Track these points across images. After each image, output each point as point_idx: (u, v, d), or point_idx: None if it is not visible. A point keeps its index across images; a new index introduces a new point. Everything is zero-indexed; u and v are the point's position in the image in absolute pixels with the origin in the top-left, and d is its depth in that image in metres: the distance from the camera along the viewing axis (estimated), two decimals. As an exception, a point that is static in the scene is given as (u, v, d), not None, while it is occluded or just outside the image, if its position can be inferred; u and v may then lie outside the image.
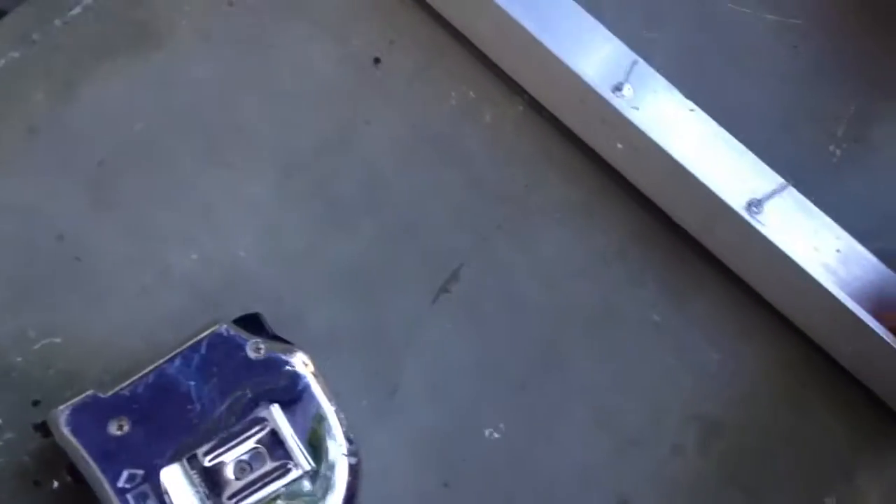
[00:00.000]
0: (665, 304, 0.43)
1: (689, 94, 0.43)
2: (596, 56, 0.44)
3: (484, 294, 0.42)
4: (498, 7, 0.42)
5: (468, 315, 0.42)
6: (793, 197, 0.42)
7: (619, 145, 0.43)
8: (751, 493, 0.40)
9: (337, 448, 0.35)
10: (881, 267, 0.41)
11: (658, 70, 0.43)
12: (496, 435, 0.40)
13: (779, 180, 0.42)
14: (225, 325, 0.36)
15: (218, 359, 0.35)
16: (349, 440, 0.35)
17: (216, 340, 0.36)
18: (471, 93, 0.45)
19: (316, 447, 0.35)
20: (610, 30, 0.44)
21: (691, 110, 0.43)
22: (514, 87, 0.45)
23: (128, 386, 0.34)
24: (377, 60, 0.45)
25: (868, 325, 0.38)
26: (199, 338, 0.36)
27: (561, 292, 0.43)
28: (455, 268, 0.42)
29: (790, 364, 0.42)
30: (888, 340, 0.38)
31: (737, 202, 0.41)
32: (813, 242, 0.41)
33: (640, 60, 0.43)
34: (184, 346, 0.35)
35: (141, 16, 0.44)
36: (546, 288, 0.42)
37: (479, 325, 0.42)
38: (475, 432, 0.40)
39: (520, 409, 0.41)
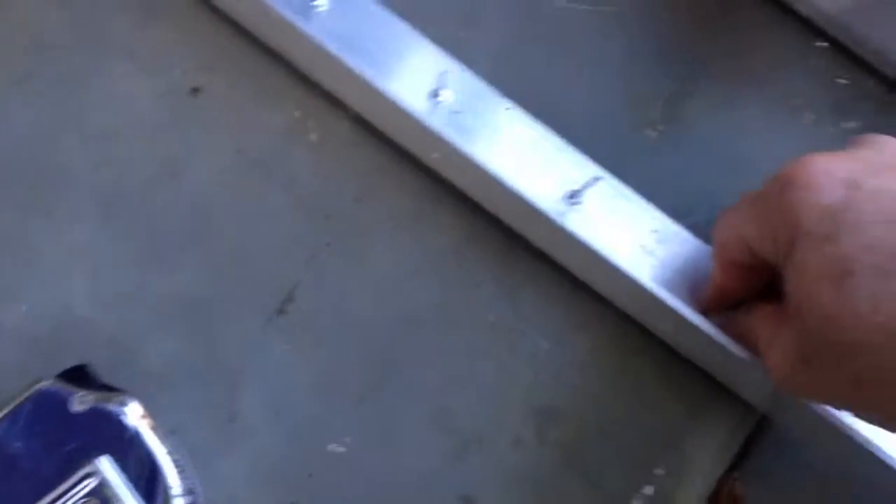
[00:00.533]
0: (499, 303, 0.44)
1: (509, 92, 0.44)
2: (409, 64, 0.44)
3: (319, 312, 0.43)
4: (304, 33, 0.42)
5: (305, 334, 0.43)
6: (610, 185, 0.43)
7: (435, 154, 0.43)
8: (588, 474, 0.42)
9: (170, 490, 0.36)
10: (695, 241, 0.43)
11: (477, 71, 0.44)
12: (340, 449, 0.42)
13: (595, 171, 0.43)
14: (48, 382, 0.37)
15: (43, 417, 0.36)
16: (185, 478, 0.36)
17: (40, 398, 0.36)
18: (296, 113, 0.45)
19: (150, 493, 0.36)
20: (425, 34, 0.44)
21: (507, 109, 0.44)
22: (339, 104, 0.45)
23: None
24: (196, 90, 0.45)
25: (673, 308, 0.40)
26: (22, 398, 0.36)
27: (395, 302, 0.44)
28: (289, 289, 0.43)
29: (621, 348, 0.44)
30: (693, 321, 0.40)
31: (551, 197, 0.42)
32: (630, 227, 0.43)
33: (455, 64, 0.44)
34: (7, 409, 0.36)
35: (-51, 69, 0.44)
36: (380, 299, 0.44)
37: (317, 343, 0.43)
38: (319, 449, 0.42)
39: (362, 420, 0.42)
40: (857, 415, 0.35)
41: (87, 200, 0.43)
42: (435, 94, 0.43)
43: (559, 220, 0.41)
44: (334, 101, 0.46)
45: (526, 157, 0.43)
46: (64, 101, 0.44)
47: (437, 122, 0.42)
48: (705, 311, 0.41)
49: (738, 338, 0.40)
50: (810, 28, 0.50)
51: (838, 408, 0.36)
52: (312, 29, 0.42)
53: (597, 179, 0.42)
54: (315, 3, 0.43)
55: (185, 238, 0.43)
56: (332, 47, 0.42)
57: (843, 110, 0.49)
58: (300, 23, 0.42)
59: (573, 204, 0.42)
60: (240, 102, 0.45)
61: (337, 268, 0.44)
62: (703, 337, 0.41)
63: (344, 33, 0.44)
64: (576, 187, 0.42)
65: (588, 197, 0.42)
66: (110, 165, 0.44)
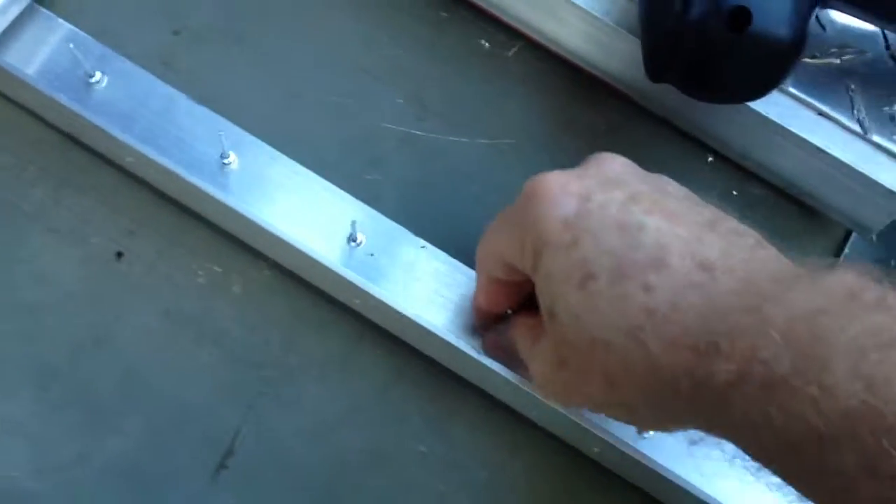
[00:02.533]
0: (430, 435, 0.46)
1: (419, 230, 0.46)
2: (323, 212, 0.46)
3: (260, 462, 0.45)
4: (218, 195, 0.44)
5: (248, 485, 0.44)
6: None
7: (356, 300, 0.46)
8: None
9: None
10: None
11: (386, 211, 0.46)
12: None
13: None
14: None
15: None
16: None
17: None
18: (216, 267, 0.47)
19: None
20: (331, 179, 0.47)
21: (423, 247, 0.46)
22: (258, 254, 0.47)
23: None
24: (119, 254, 0.47)
25: (600, 433, 0.43)
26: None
27: (329, 444, 0.45)
28: (229, 443, 0.45)
29: (556, 466, 0.46)
30: (621, 447, 0.43)
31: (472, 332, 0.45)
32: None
33: (366, 208, 0.46)
34: None
35: None
36: (316, 443, 0.45)
37: (261, 493, 0.44)
38: None
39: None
40: (616, 417, 0.37)
41: (19, 376, 0.44)
42: (351, 240, 0.46)
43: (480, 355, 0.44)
44: (253, 253, 0.47)
45: (443, 295, 0.45)
46: (-15, 277, 0.45)
47: (353, 267, 0.45)
48: (476, 329, 0.44)
49: (504, 351, 0.43)
50: (701, 145, 0.54)
51: (598, 412, 0.38)
52: (227, 189, 0.44)
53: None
54: (225, 160, 0.46)
55: (121, 403, 0.44)
56: (247, 205, 0.44)
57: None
58: (212, 186, 0.44)
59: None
60: (162, 263, 0.47)
61: (272, 416, 0.45)
62: (631, 459, 0.43)
63: (257, 187, 0.46)
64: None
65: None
66: (39, 338, 0.45)
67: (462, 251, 0.45)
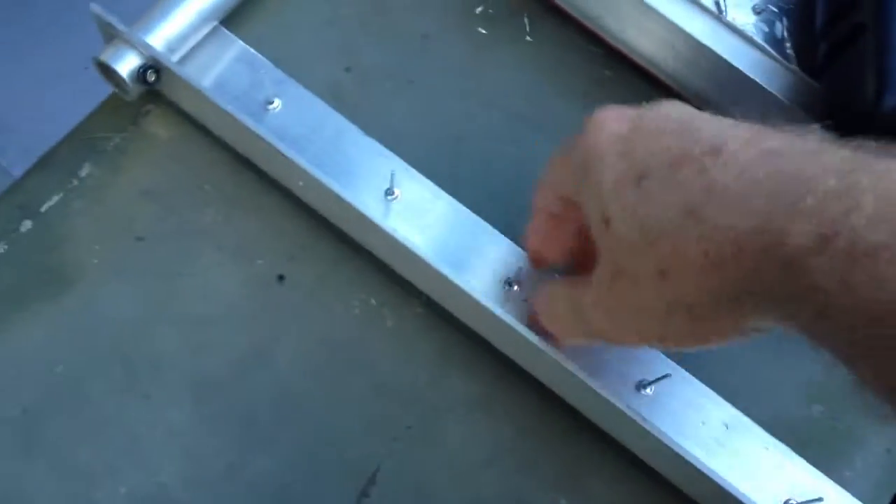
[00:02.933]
0: (568, 486, 0.47)
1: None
2: (481, 254, 0.48)
3: (400, 494, 0.46)
4: (381, 227, 0.45)
5: (386, 517, 0.45)
6: (682, 377, 0.46)
7: (508, 343, 0.47)
8: None
9: None
10: (764, 434, 0.46)
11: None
12: None
13: (667, 363, 0.46)
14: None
15: None
16: None
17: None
18: (372, 300, 0.49)
19: None
20: (488, 220, 0.48)
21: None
22: (412, 291, 0.48)
23: None
24: (281, 277, 0.48)
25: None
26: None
27: (470, 483, 0.46)
28: (371, 472, 0.46)
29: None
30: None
31: (624, 388, 0.46)
32: (699, 416, 0.46)
33: (523, 251, 0.47)
34: None
35: (53, 260, 0.47)
36: (455, 482, 0.46)
37: (398, 526, 0.45)
38: None
39: None
40: (670, 334, 0.36)
41: (182, 384, 0.46)
42: (507, 283, 0.47)
43: (626, 407, 0.44)
44: (407, 289, 0.49)
45: (596, 352, 0.46)
46: (158, 289, 0.47)
47: (509, 310, 0.46)
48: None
49: (541, 304, 0.43)
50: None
51: (652, 333, 0.37)
52: (389, 222, 0.46)
53: (668, 375, 0.45)
54: (390, 196, 0.47)
55: (274, 422, 0.46)
56: (407, 239, 0.45)
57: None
58: (375, 217, 0.46)
59: (642, 392, 0.45)
60: (320, 289, 0.48)
61: (415, 451, 0.46)
62: None
63: (418, 223, 0.47)
64: (645, 379, 0.45)
65: (658, 387, 0.45)
66: (203, 351, 0.46)
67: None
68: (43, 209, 0.47)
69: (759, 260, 0.30)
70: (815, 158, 0.30)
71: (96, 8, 0.43)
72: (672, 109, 0.36)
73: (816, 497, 0.44)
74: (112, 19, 0.44)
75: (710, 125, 0.34)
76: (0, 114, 1.14)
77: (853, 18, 0.44)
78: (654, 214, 0.33)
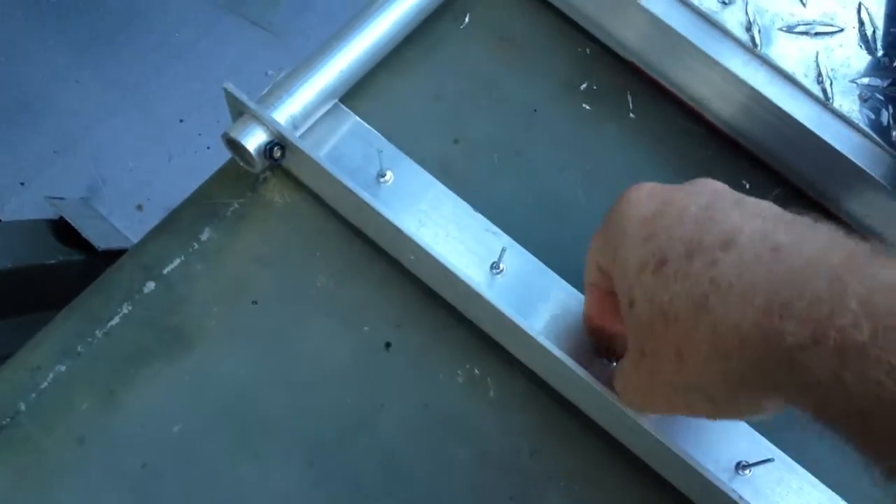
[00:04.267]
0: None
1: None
2: (579, 326, 0.49)
3: (500, 564, 0.46)
4: (485, 299, 0.47)
5: (487, 585, 0.46)
6: (784, 463, 0.47)
7: (609, 421, 0.47)
8: None
9: None
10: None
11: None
12: None
13: (767, 446, 0.47)
14: None
15: None
16: None
17: None
18: (475, 370, 0.50)
19: None
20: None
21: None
22: (515, 361, 0.49)
23: None
24: (388, 345, 0.50)
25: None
26: None
27: (569, 556, 0.47)
28: (473, 541, 0.47)
29: None
30: None
31: (721, 467, 0.46)
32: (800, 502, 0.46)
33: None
34: None
35: (174, 321, 0.49)
36: (555, 555, 0.46)
37: None
38: None
39: None
40: (692, 407, 0.38)
41: (291, 446, 0.47)
42: (609, 359, 0.48)
43: (727, 487, 0.44)
44: (511, 360, 0.50)
45: (699, 429, 0.46)
46: (270, 352, 0.49)
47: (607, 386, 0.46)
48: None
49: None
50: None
51: (675, 404, 0.39)
52: (492, 295, 0.47)
53: (769, 460, 0.45)
54: (495, 270, 0.48)
55: (379, 487, 0.47)
56: (512, 312, 0.46)
57: None
58: (482, 289, 0.47)
59: (741, 474, 0.46)
60: (425, 358, 0.50)
61: (516, 522, 0.47)
62: None
63: (523, 296, 0.48)
64: (745, 460, 0.46)
65: (756, 470, 0.46)
66: (311, 414, 0.48)
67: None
68: (165, 271, 0.50)
69: (762, 352, 0.33)
70: (813, 259, 0.32)
71: (230, 86, 0.46)
72: (702, 190, 0.39)
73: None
74: (244, 97, 0.46)
75: (728, 215, 0.36)
76: (99, 164, 1.19)
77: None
78: (669, 301, 0.35)
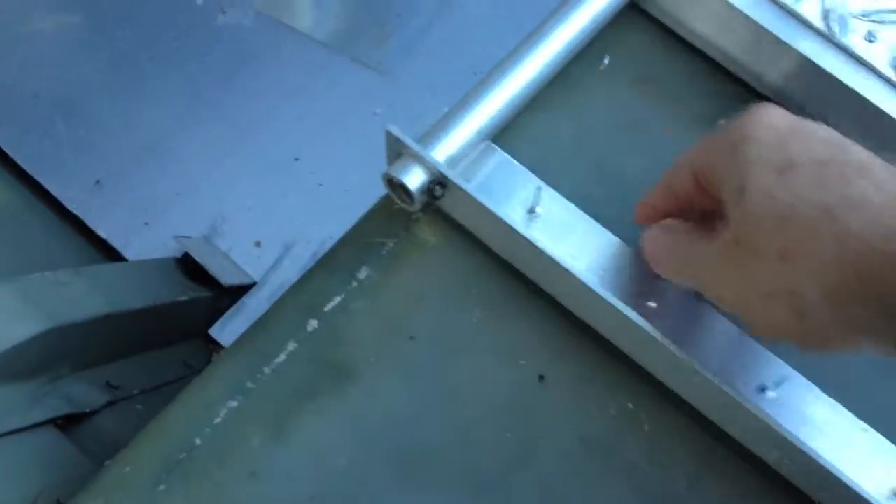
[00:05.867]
0: None
1: (832, 391, 0.48)
2: (737, 359, 0.49)
3: None
4: (644, 329, 0.47)
5: None
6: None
7: (775, 452, 0.47)
8: None
9: None
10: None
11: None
12: None
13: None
14: None
15: None
16: None
17: None
18: (629, 404, 0.50)
19: None
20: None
21: (864, 430, 0.48)
22: (667, 395, 0.50)
23: None
24: (542, 377, 0.51)
25: None
26: None
27: None
28: (633, 574, 0.47)
29: None
30: None
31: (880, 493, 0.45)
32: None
33: (791, 371, 0.48)
34: None
35: (337, 357, 0.50)
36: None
37: None
38: None
39: None
40: (776, 319, 0.38)
41: (453, 479, 0.48)
42: (762, 389, 0.48)
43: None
44: (665, 394, 0.50)
45: (856, 450, 0.46)
46: (429, 386, 0.50)
47: (771, 418, 0.46)
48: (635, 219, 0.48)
49: (653, 238, 0.46)
50: None
51: (756, 309, 0.39)
52: (650, 326, 0.47)
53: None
54: (647, 302, 0.49)
55: (540, 520, 0.47)
56: (668, 343, 0.47)
57: None
58: (639, 319, 0.47)
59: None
60: (580, 392, 0.50)
61: (677, 556, 0.47)
62: None
63: (679, 327, 0.49)
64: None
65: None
66: (470, 447, 0.49)
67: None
68: (327, 309, 0.51)
69: (882, 266, 0.33)
70: None
71: (392, 129, 0.47)
72: (828, 130, 0.39)
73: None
74: (407, 139, 0.48)
75: (861, 151, 0.37)
76: (219, 202, 1.23)
77: None
78: (791, 202, 0.36)
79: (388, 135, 0.48)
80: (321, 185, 1.26)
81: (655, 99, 0.57)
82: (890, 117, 0.52)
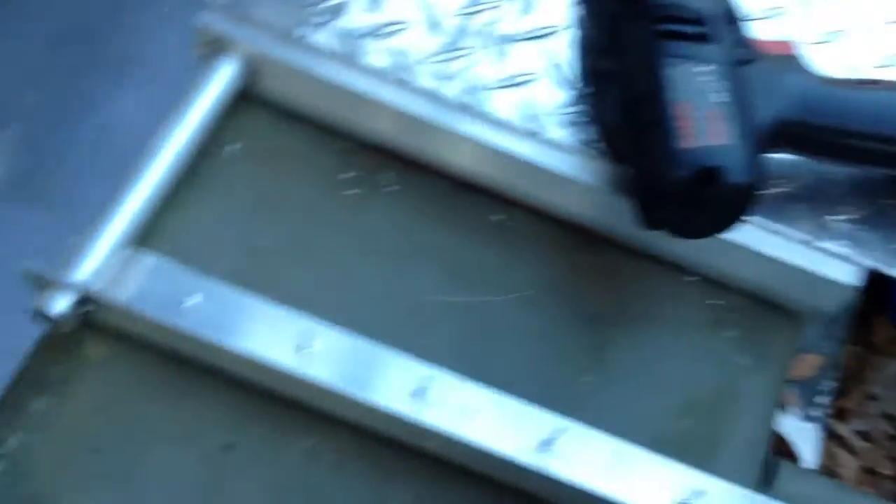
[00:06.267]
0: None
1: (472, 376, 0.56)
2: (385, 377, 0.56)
3: None
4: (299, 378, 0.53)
5: None
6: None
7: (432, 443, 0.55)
8: None
9: None
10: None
11: (442, 365, 0.56)
12: None
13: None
14: None
15: None
16: None
17: None
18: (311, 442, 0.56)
19: None
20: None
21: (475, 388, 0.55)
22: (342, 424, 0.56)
23: None
24: (227, 447, 0.55)
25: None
26: None
27: None
28: None
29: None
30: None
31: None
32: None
33: (428, 367, 0.56)
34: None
35: (30, 491, 0.53)
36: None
37: None
38: None
39: None
40: None
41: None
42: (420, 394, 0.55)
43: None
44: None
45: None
46: (125, 493, 0.54)
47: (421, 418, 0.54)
48: None
49: None
50: (680, 268, 0.65)
51: None
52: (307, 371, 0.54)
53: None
54: (304, 349, 0.55)
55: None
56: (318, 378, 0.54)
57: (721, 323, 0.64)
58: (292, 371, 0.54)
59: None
60: (264, 450, 0.55)
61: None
62: None
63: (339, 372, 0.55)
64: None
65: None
66: None
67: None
68: (6, 449, 0.53)
69: None
70: None
71: (27, 266, 0.50)
72: None
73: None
74: (41, 268, 0.50)
75: None
76: None
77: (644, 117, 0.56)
78: None
79: (25, 272, 0.50)
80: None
81: (283, 169, 0.64)
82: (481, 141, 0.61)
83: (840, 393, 1.39)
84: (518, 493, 0.56)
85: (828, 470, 1.35)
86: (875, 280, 0.60)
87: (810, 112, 0.57)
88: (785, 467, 0.63)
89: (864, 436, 1.37)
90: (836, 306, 0.63)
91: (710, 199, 0.54)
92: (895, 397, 1.40)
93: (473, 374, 0.56)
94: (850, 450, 1.35)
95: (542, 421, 0.55)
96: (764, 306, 0.65)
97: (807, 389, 1.35)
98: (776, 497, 0.58)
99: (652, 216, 0.56)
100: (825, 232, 0.62)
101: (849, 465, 1.35)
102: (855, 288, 0.61)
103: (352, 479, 0.55)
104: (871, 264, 0.62)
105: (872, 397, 1.40)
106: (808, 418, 1.32)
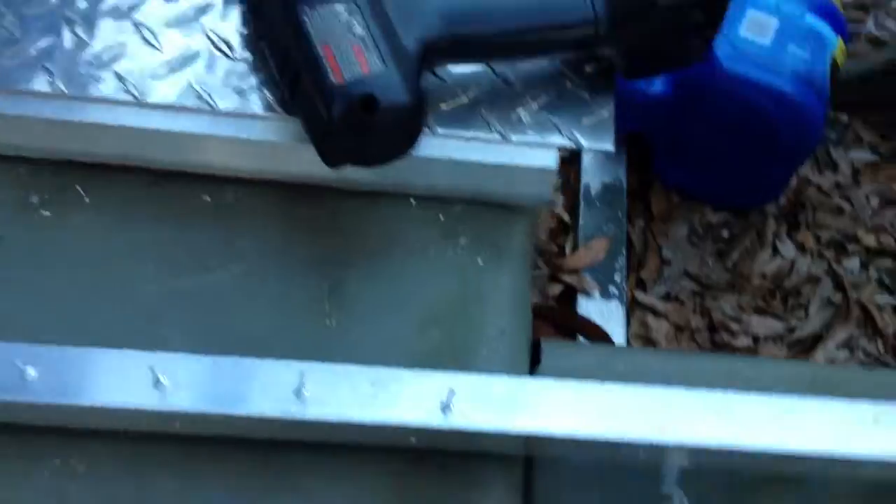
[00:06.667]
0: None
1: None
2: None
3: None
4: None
5: None
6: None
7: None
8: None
9: None
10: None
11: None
12: None
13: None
14: None
15: None
16: None
17: None
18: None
19: None
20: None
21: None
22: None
23: None
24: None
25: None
26: None
27: None
28: None
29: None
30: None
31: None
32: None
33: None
34: None
35: None
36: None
37: None
38: None
39: None
40: None
41: None
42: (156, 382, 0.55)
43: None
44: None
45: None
46: None
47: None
48: None
49: None
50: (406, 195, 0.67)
51: None
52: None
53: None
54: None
55: None
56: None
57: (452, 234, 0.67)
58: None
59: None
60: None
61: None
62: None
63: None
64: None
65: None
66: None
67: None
68: None
69: None
70: None
71: None
72: None
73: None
74: None
75: None
76: None
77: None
78: None
79: None
80: None
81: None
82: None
83: (637, 267, 1.48)
84: (277, 445, 0.58)
85: (644, 339, 1.43)
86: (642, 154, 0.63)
87: (452, 25, 0.60)
88: (549, 347, 0.66)
89: (668, 297, 1.46)
90: (547, 190, 0.67)
91: (377, 125, 0.56)
92: (692, 255, 1.48)
93: (216, 351, 0.57)
94: (658, 314, 1.43)
95: (287, 372, 0.56)
96: (486, 208, 0.67)
97: (602, 273, 1.43)
98: (542, 375, 0.62)
99: (331, 154, 0.58)
100: (517, 126, 0.65)
101: (660, 328, 1.43)
102: (556, 170, 0.65)
103: (103, 486, 0.55)
104: (565, 143, 0.66)
105: (668, 262, 1.48)
106: (610, 297, 1.39)
